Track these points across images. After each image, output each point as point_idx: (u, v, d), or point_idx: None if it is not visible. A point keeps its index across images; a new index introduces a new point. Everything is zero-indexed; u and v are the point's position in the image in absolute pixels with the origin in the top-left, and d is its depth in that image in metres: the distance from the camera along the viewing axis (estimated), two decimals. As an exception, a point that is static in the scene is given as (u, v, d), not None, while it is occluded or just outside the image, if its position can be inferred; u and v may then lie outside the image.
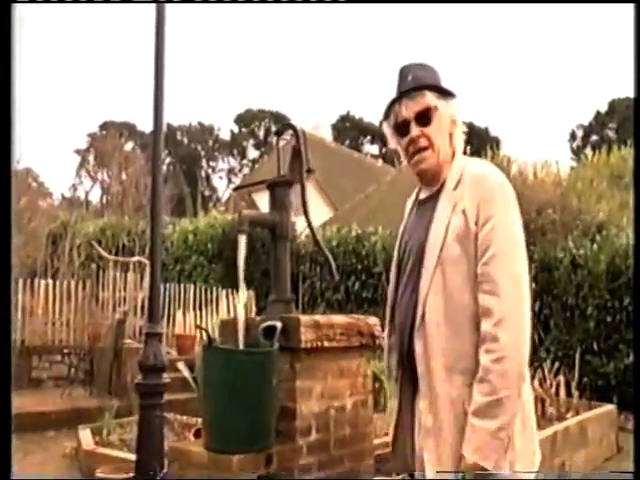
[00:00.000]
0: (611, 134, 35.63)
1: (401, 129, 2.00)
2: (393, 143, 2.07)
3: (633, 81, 3.14)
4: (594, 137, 36.94)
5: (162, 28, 4.07)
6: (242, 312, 2.31)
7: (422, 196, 2.07)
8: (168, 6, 4.11)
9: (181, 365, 2.63)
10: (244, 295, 2.46)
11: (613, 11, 62.78)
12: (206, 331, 2.25)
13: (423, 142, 1.96)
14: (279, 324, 2.34)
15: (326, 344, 2.48)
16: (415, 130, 1.96)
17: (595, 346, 8.20)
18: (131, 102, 60.94)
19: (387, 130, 2.06)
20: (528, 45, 65.29)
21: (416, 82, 1.97)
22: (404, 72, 2.02)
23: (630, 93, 36.91)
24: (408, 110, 1.96)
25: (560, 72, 63.65)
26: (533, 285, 8.52)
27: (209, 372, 2.25)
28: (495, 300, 1.77)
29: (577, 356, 6.96)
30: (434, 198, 1.98)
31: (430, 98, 1.95)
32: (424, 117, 1.95)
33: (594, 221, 9.53)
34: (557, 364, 6.59)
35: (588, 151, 20.91)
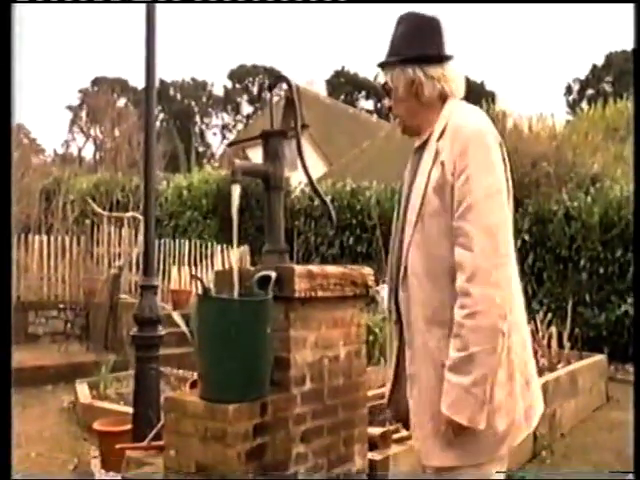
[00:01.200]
0: (607, 88, 35.30)
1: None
2: None
3: (633, 85, 3.06)
4: (590, 91, 36.61)
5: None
6: (236, 262, 2.29)
7: (416, 144, 2.07)
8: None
9: (176, 315, 2.62)
10: (238, 249, 2.43)
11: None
12: (201, 281, 2.23)
13: (393, 112, 2.09)
14: (273, 274, 2.31)
15: (320, 294, 2.47)
16: (386, 102, 2.10)
17: (587, 298, 8.26)
18: (123, 58, 59.87)
19: None
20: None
21: (387, 55, 2.05)
22: (393, 31, 2.07)
23: (627, 46, 36.51)
24: (379, 85, 2.09)
25: (556, 26, 62.76)
26: (527, 237, 8.55)
27: (204, 322, 2.24)
28: (468, 254, 1.76)
29: (569, 308, 7.00)
30: (422, 148, 1.99)
31: (383, 75, 2.05)
32: (387, 90, 2.05)
33: (588, 173, 9.51)
34: (550, 316, 6.64)
35: (584, 105, 20.75)
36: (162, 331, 3.88)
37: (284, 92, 2.84)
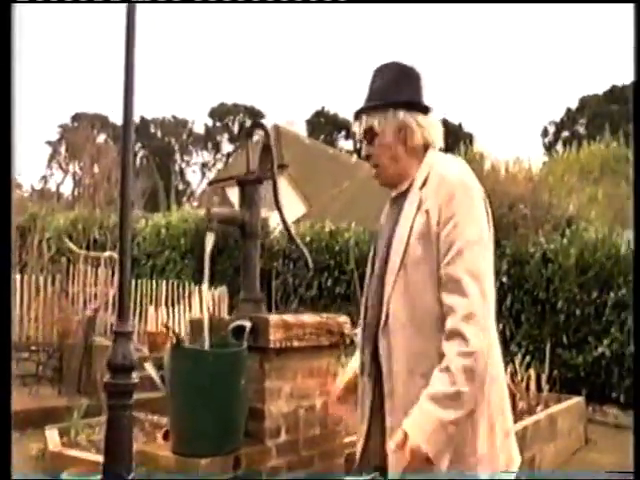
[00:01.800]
0: (581, 130, 36.10)
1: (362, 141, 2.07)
2: None
3: (633, 85, 3.15)
4: (565, 133, 37.40)
5: (133, 18, 3.97)
6: (206, 312, 2.27)
7: (393, 193, 2.07)
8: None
9: (148, 365, 2.58)
10: (216, 290, 2.41)
11: (585, 10, 63.47)
12: (174, 331, 2.21)
13: (372, 161, 2.03)
14: (248, 324, 2.30)
15: (296, 344, 2.46)
16: (364, 149, 2.05)
17: (565, 339, 8.29)
18: (104, 94, 60.06)
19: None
20: (501, 42, 65.79)
21: (368, 99, 2.03)
22: (371, 80, 2.06)
23: (599, 90, 37.52)
24: (358, 129, 2.04)
25: (532, 69, 64.38)
26: (505, 279, 8.60)
27: (177, 373, 2.21)
28: (460, 298, 1.76)
29: (547, 349, 7.02)
30: (403, 196, 1.98)
31: (368, 120, 2.01)
32: (368, 136, 2.02)
33: (564, 215, 9.64)
34: (528, 358, 6.64)
35: (559, 147, 21.20)
36: (136, 378, 3.81)
37: (263, 135, 2.86)
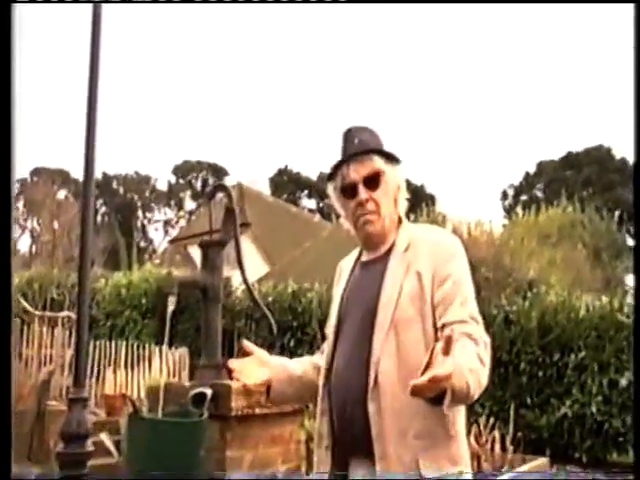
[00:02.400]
0: (539, 194, 37.16)
1: (348, 192, 1.99)
2: (338, 205, 2.07)
3: (633, 86, 3.20)
4: (524, 197, 38.39)
5: (96, 69, 3.98)
6: (162, 380, 2.23)
7: (365, 258, 2.06)
8: (106, 48, 4.07)
9: (104, 435, 2.50)
10: (177, 350, 2.37)
11: (540, 77, 66.29)
12: (131, 399, 2.15)
13: (371, 206, 1.96)
14: (209, 391, 2.26)
15: (257, 411, 2.42)
16: (363, 193, 1.96)
17: (528, 400, 8.33)
18: (65, 149, 59.68)
19: (332, 192, 2.06)
20: (461, 106, 67.96)
21: (364, 146, 1.99)
22: (350, 135, 2.02)
23: (555, 155, 38.83)
24: (356, 173, 1.97)
25: (491, 132, 66.43)
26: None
27: (134, 443, 2.15)
28: (476, 327, 1.83)
29: (511, 410, 7.04)
30: (382, 260, 1.97)
31: (378, 162, 1.97)
32: (372, 181, 1.96)
33: (525, 278, 9.81)
34: (492, 419, 6.64)
35: (519, 209, 21.76)
36: (90, 446, 3.69)
37: (225, 197, 2.88)
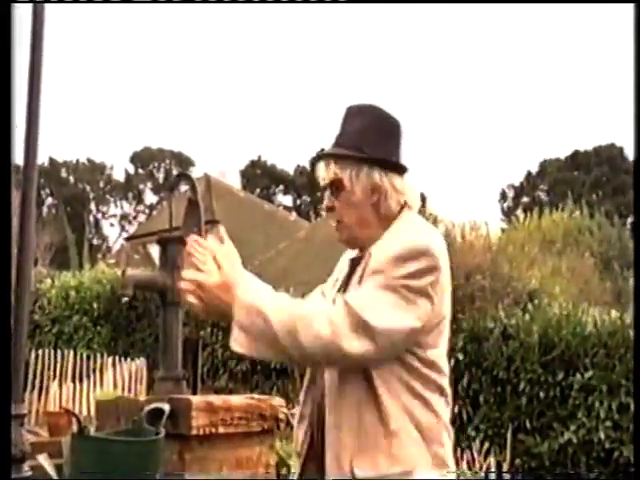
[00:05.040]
0: (542, 196, 37.47)
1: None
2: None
3: (633, 86, 3.33)
4: (525, 198, 38.70)
5: (40, 37, 3.89)
6: (114, 395, 2.18)
7: (352, 255, 2.08)
8: (65, 25, 4.01)
9: (42, 458, 2.45)
10: (133, 362, 2.32)
11: (544, 72, 67.07)
12: (75, 415, 2.11)
13: (334, 215, 1.99)
14: (166, 407, 2.23)
15: (221, 430, 2.40)
16: (327, 199, 2.00)
17: (528, 424, 8.35)
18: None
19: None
20: (457, 100, 68.49)
21: (336, 141, 1.98)
22: (344, 118, 2.02)
23: (561, 154, 39.21)
24: (321, 175, 1.98)
25: (489, 127, 66.92)
26: (461, 357, 8.67)
27: (78, 466, 2.10)
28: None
29: (509, 435, 7.06)
30: (362, 260, 1.98)
31: (336, 170, 1.94)
32: (334, 187, 1.96)
33: (526, 288, 9.85)
34: (487, 444, 6.65)
35: (519, 212, 21.94)
36: (28, 471, 3.61)
37: (189, 189, 2.83)
